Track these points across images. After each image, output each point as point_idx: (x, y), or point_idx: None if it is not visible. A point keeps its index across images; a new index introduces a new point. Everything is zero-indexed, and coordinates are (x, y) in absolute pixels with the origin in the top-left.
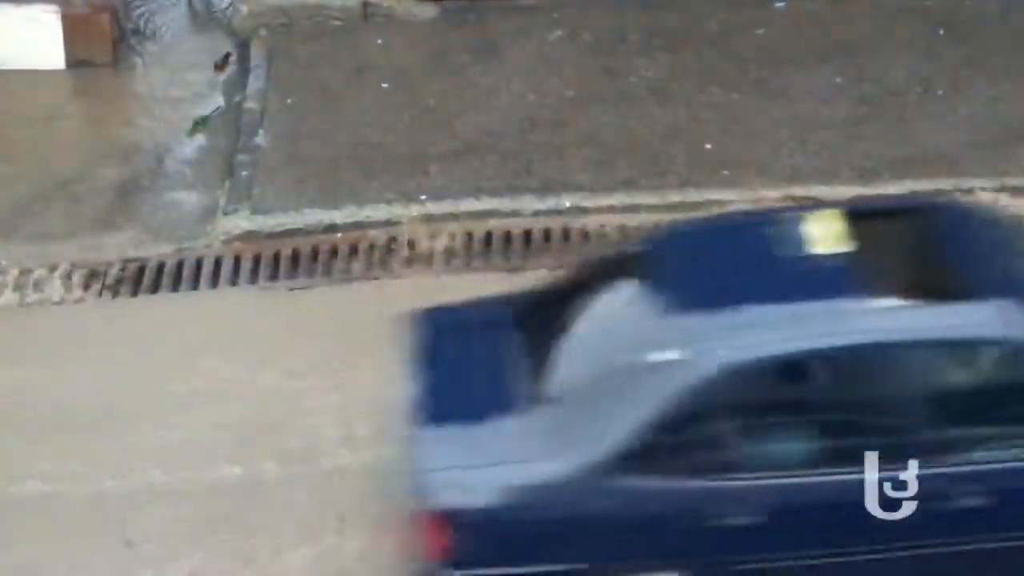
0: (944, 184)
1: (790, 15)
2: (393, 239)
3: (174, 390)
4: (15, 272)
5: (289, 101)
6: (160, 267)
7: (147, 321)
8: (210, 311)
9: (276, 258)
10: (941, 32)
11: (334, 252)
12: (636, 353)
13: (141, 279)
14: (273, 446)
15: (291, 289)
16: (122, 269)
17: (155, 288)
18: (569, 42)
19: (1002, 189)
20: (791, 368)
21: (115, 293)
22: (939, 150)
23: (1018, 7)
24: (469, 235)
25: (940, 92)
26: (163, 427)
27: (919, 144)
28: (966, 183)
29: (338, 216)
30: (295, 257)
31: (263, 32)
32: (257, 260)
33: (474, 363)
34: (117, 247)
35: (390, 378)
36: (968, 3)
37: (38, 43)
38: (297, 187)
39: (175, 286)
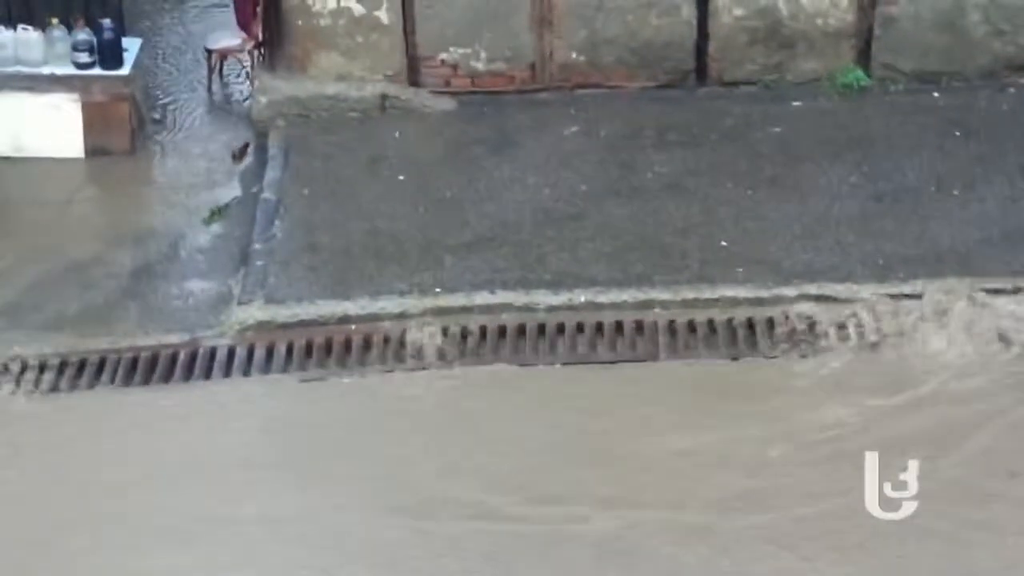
0: (958, 283)
1: (805, 113)
2: (406, 331)
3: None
4: (21, 360)
5: (306, 191)
6: (173, 356)
7: (155, 412)
8: (221, 403)
9: (289, 349)
10: (955, 131)
11: (347, 344)
12: None
13: (154, 368)
14: None
15: (304, 381)
16: (134, 357)
17: (167, 377)
18: (585, 136)
19: (1016, 290)
20: None
21: (127, 381)
22: (952, 248)
23: None
24: (483, 329)
25: (954, 190)
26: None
27: (933, 242)
28: (980, 282)
29: (352, 307)
30: (308, 348)
31: (281, 122)
32: (270, 351)
33: None
34: (129, 334)
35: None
36: (982, 103)
37: (58, 131)
38: (311, 278)
39: (187, 376)
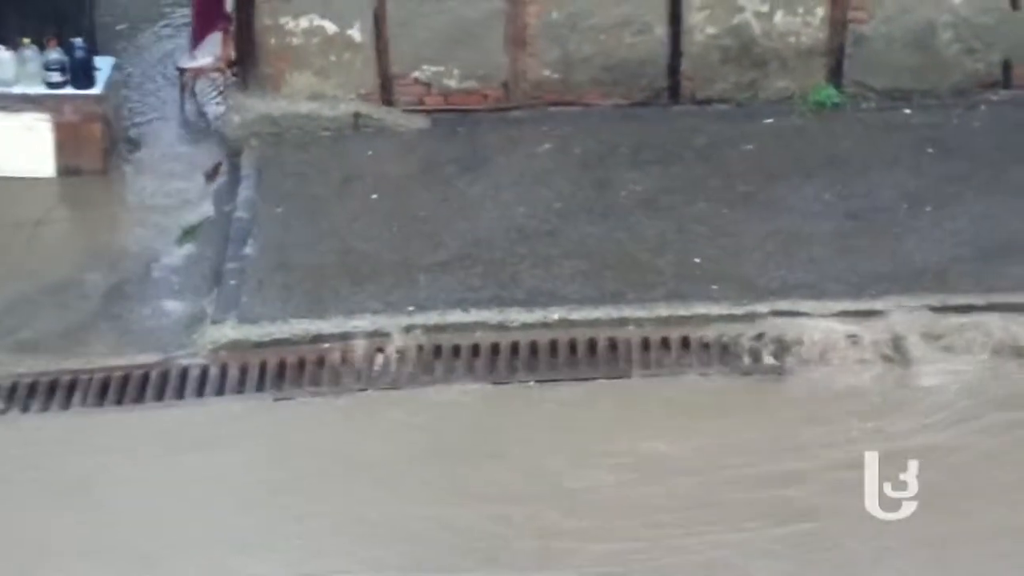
0: (932, 300)
1: (778, 130)
2: (380, 350)
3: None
4: None
5: (279, 210)
6: (145, 376)
7: (128, 433)
8: (194, 423)
9: (263, 368)
10: (928, 149)
11: (321, 363)
12: None
13: (126, 388)
14: None
15: (277, 400)
16: (106, 378)
17: (140, 398)
18: (558, 154)
19: (989, 307)
20: None
21: (100, 402)
22: (926, 265)
23: (1002, 124)
24: (456, 347)
25: (927, 207)
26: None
27: (906, 259)
28: (953, 299)
29: (325, 326)
30: (282, 368)
31: (254, 142)
32: (244, 370)
33: None
34: (102, 355)
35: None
36: (954, 120)
37: (30, 151)
38: (285, 297)
39: (160, 396)
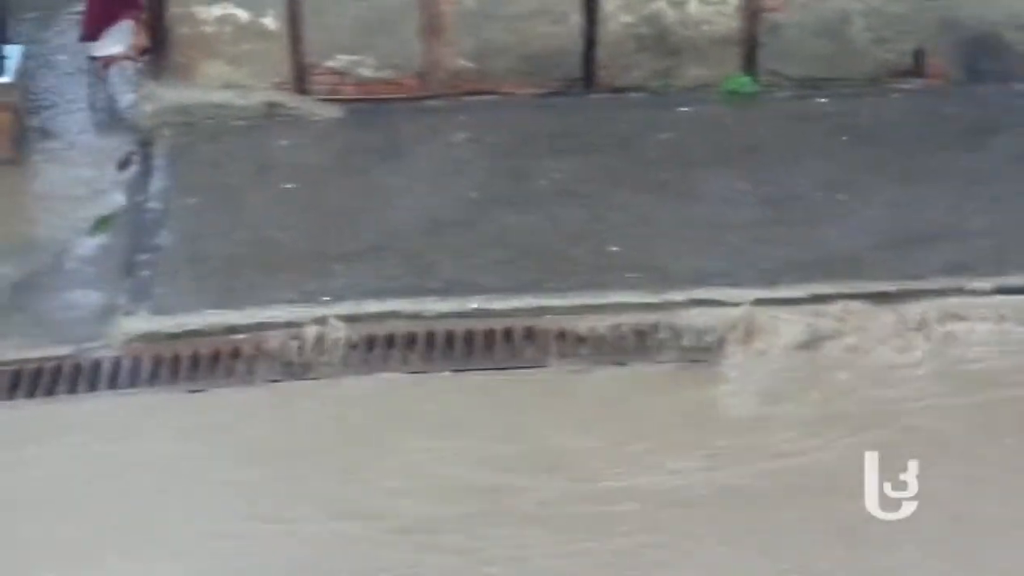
0: (846, 288)
1: (694, 119)
2: (295, 341)
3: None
4: None
5: (192, 201)
6: (57, 369)
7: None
8: (108, 416)
9: (176, 360)
10: (841, 137)
11: (235, 354)
12: None
13: (38, 381)
14: None
15: (191, 392)
16: (17, 371)
17: (51, 390)
18: (475, 143)
19: (902, 293)
20: None
21: (11, 395)
22: (841, 253)
23: (915, 113)
24: (371, 338)
25: (841, 196)
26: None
27: (822, 247)
28: (868, 286)
29: (239, 317)
30: (195, 359)
31: (167, 131)
32: (157, 362)
33: None
34: (12, 347)
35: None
36: (866, 109)
37: None
38: (198, 288)
39: (73, 388)
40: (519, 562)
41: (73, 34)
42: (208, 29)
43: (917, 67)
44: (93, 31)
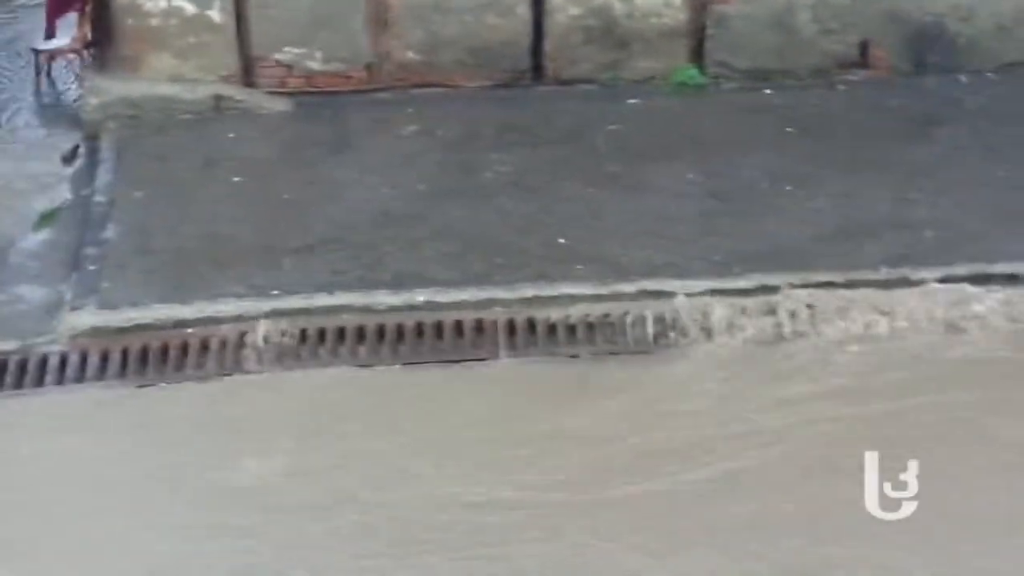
0: (793, 278)
1: (642, 111)
2: (244, 335)
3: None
4: None
5: (139, 194)
6: (3, 364)
7: None
8: (55, 411)
9: (125, 354)
10: (788, 128)
11: (184, 348)
12: None
13: None
14: None
15: (140, 386)
16: None
17: None
18: (424, 136)
19: (848, 283)
20: None
21: None
22: (788, 244)
23: (860, 104)
24: (322, 331)
25: (788, 187)
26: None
27: (769, 238)
28: (814, 277)
29: (188, 311)
30: (144, 353)
31: (113, 124)
32: (105, 357)
33: None
34: None
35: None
36: (813, 100)
37: None
38: (146, 282)
39: (19, 383)
40: (476, 549)
41: (15, 27)
42: (154, 22)
43: (863, 58)
44: (53, 28)
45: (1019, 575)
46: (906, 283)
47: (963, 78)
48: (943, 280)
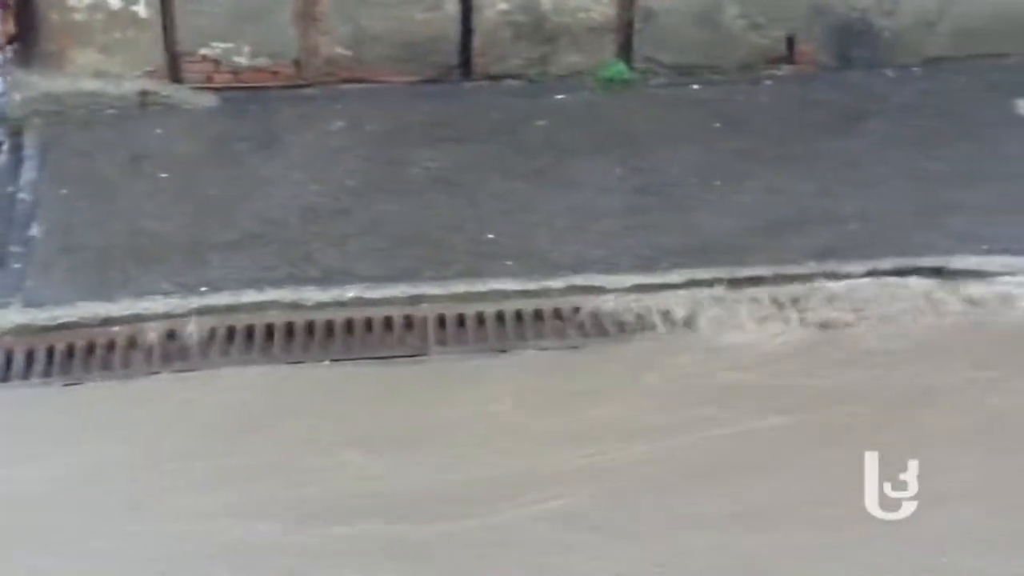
0: (721, 272)
1: (570, 106)
2: (172, 332)
3: None
4: None
5: (64, 191)
6: None
7: None
8: None
9: (50, 353)
10: (715, 123)
11: (111, 346)
12: None
13: None
14: None
15: (66, 385)
16: None
17: None
18: (351, 132)
19: (776, 278)
20: None
21: None
22: (717, 239)
23: (787, 99)
24: (250, 328)
25: (716, 182)
26: None
27: (697, 233)
28: (743, 271)
29: (115, 309)
30: (70, 352)
31: (37, 120)
32: (30, 356)
33: None
34: None
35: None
36: (740, 95)
37: None
38: (72, 279)
39: None
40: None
41: None
42: (79, 17)
43: (789, 53)
44: None
45: None
46: (833, 276)
47: (888, 72)
48: (869, 273)
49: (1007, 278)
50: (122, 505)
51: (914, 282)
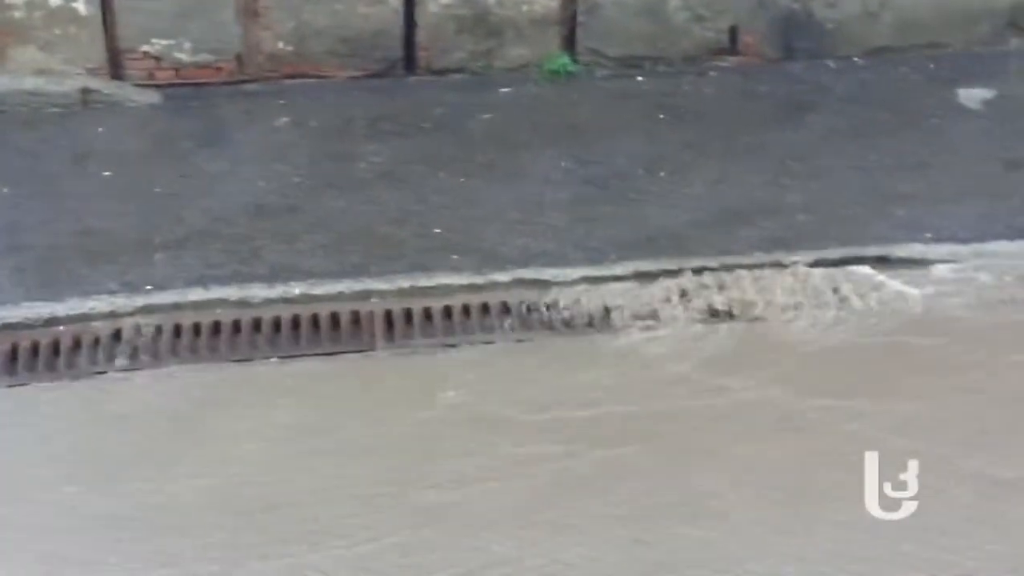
0: (668, 264)
1: (515, 99)
2: (118, 331)
3: None
4: None
5: (6, 191)
6: None
7: None
8: None
9: None
10: (661, 115)
11: (56, 346)
12: None
13: None
14: None
15: (10, 386)
16: None
17: None
18: (296, 127)
19: (722, 268)
20: None
21: None
22: (663, 231)
23: (731, 90)
24: (196, 325)
25: (662, 174)
26: None
27: (644, 225)
28: (689, 262)
29: (59, 309)
30: (14, 352)
31: None
32: None
33: None
34: None
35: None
36: (685, 87)
37: None
38: (16, 279)
39: None
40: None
41: None
42: (17, 14)
43: (733, 45)
44: None
45: None
46: (779, 266)
47: (831, 63)
48: (815, 263)
49: (949, 266)
50: (65, 507)
51: (859, 270)
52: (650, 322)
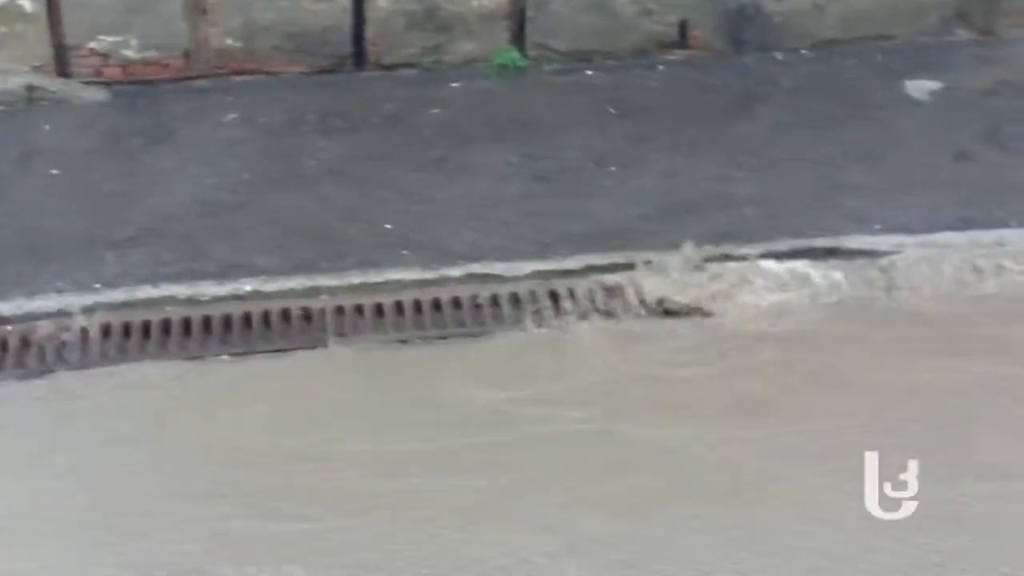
0: (619, 258)
1: (465, 94)
2: (66, 331)
3: None
4: None
5: None
6: None
7: None
8: None
9: None
10: (610, 109)
11: (4, 346)
12: None
13: None
14: None
15: None
16: None
17: None
18: (245, 124)
19: (672, 261)
20: None
21: None
22: (613, 224)
23: (680, 84)
24: (146, 324)
25: (612, 168)
26: None
27: (594, 219)
28: (640, 256)
29: (6, 308)
30: None
31: None
32: None
33: None
34: None
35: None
36: (634, 81)
37: None
38: None
39: None
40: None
41: None
42: None
43: (682, 39)
44: None
45: None
46: (728, 259)
47: (779, 56)
48: (764, 256)
49: (899, 256)
50: (10, 509)
51: (808, 262)
52: (602, 316)
